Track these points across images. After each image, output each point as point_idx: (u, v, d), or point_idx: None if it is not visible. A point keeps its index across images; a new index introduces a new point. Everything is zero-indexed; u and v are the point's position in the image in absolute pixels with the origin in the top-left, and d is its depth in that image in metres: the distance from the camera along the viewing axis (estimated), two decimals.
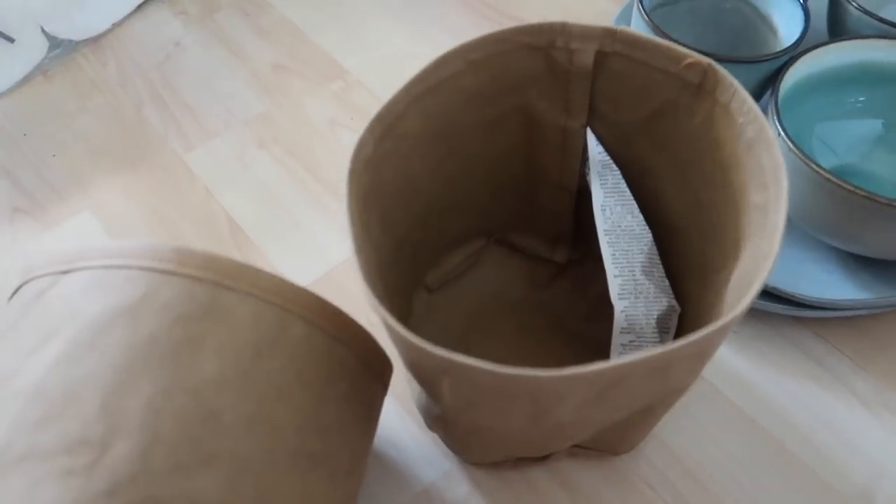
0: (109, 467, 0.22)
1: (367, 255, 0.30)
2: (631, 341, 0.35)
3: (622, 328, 0.34)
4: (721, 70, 0.30)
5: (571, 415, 0.28)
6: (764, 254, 0.26)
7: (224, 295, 0.27)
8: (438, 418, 0.34)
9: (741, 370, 0.43)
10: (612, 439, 0.36)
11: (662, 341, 0.35)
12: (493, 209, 0.45)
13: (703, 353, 0.26)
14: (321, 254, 0.50)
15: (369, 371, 0.32)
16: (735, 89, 0.30)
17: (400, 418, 0.42)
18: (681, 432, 0.41)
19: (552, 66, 0.36)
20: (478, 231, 0.47)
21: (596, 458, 0.40)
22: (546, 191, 0.44)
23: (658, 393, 0.28)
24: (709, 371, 0.43)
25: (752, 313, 0.45)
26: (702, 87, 0.32)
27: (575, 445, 0.38)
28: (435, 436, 0.41)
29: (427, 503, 0.38)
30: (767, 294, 0.44)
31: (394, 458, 0.40)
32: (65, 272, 0.27)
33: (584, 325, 0.45)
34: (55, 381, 0.24)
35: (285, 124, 0.58)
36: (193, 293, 0.26)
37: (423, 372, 0.28)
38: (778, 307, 0.43)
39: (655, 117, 0.35)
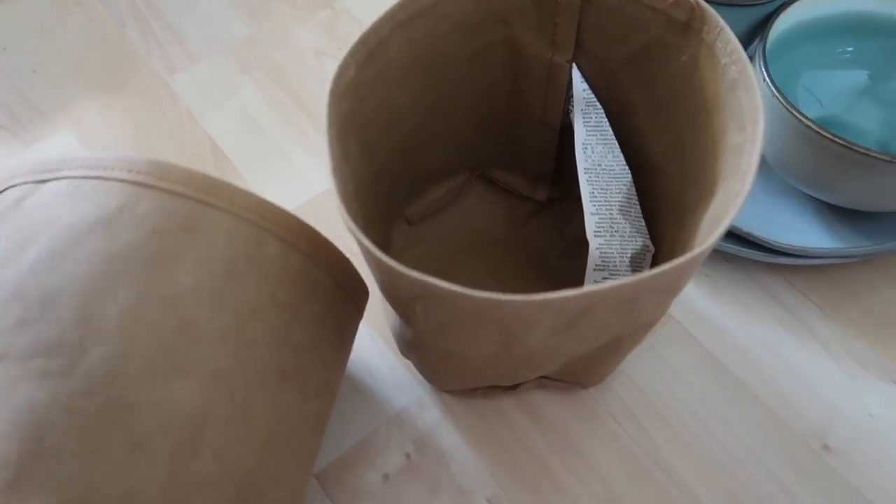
0: (85, 370, 0.23)
1: (345, 178, 0.30)
2: (604, 278, 0.35)
3: (596, 265, 0.35)
4: (708, 8, 0.30)
5: (540, 343, 0.28)
6: (735, 192, 0.26)
7: (201, 211, 0.27)
8: (412, 344, 0.35)
9: (711, 313, 0.44)
10: (580, 371, 0.37)
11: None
12: (475, 144, 0.45)
13: (671, 287, 0.26)
14: (303, 182, 0.50)
15: (344, 294, 0.32)
16: (720, 28, 0.30)
17: (375, 345, 0.43)
18: (648, 369, 0.42)
19: None
20: (459, 166, 0.47)
21: (564, 390, 0.41)
22: (529, 127, 0.44)
23: (626, 325, 0.29)
24: (679, 312, 0.44)
25: (726, 258, 0.46)
26: (688, 26, 0.32)
27: (543, 377, 0.39)
28: (409, 364, 0.42)
29: (399, 427, 0.40)
30: (741, 239, 0.44)
31: (368, 383, 0.41)
32: (43, 181, 0.27)
33: (560, 262, 0.45)
34: (32, 285, 0.24)
35: (271, 51, 0.57)
36: (171, 207, 0.26)
37: (397, 296, 0.28)
38: (751, 252, 0.44)
39: (641, 55, 0.35)
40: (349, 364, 0.42)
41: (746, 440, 0.40)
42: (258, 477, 0.26)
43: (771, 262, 0.46)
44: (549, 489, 0.38)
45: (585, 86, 0.38)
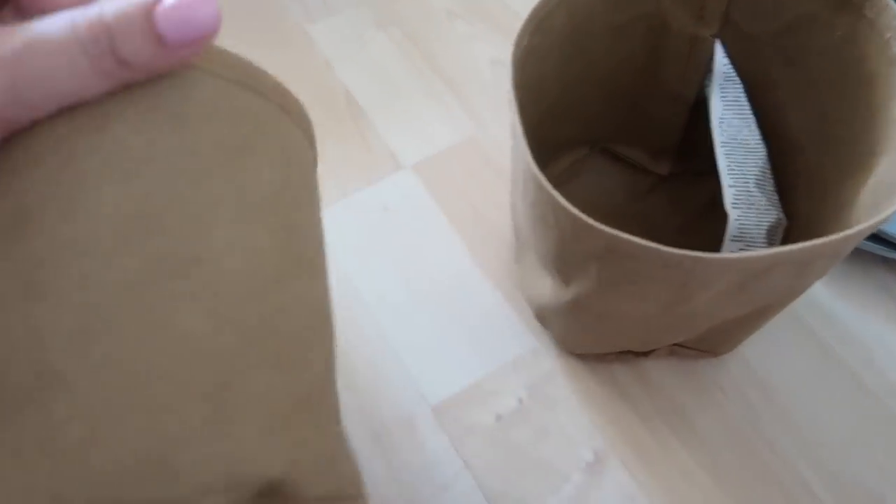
0: None
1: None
2: (740, 249, 0.36)
3: (733, 236, 0.36)
4: None
5: (704, 305, 0.29)
6: None
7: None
8: (563, 305, 0.36)
9: (826, 302, 0.44)
10: (717, 339, 0.37)
11: None
12: (602, 117, 0.46)
13: (839, 254, 0.27)
14: (429, 137, 0.52)
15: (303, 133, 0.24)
16: (885, 4, 0.30)
17: (495, 296, 0.44)
18: (761, 349, 0.42)
19: None
20: (583, 139, 0.48)
21: (693, 357, 0.41)
22: (660, 101, 0.44)
23: (786, 290, 0.30)
24: (797, 302, 0.44)
25: None
26: (848, 1, 0.32)
27: (677, 344, 0.39)
28: (525, 315, 0.43)
29: (514, 373, 0.41)
30: None
31: (486, 329, 0.43)
32: None
33: (678, 237, 0.46)
34: None
35: (405, 8, 0.59)
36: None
37: (575, 251, 0.29)
38: (870, 245, 0.43)
39: (790, 30, 0.35)
40: (469, 310, 0.44)
41: (853, 427, 0.40)
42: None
43: (888, 257, 0.45)
44: (655, 449, 0.39)
45: (726, 61, 0.39)
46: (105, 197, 0.16)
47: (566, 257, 0.30)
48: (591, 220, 0.25)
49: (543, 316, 0.41)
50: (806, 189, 0.36)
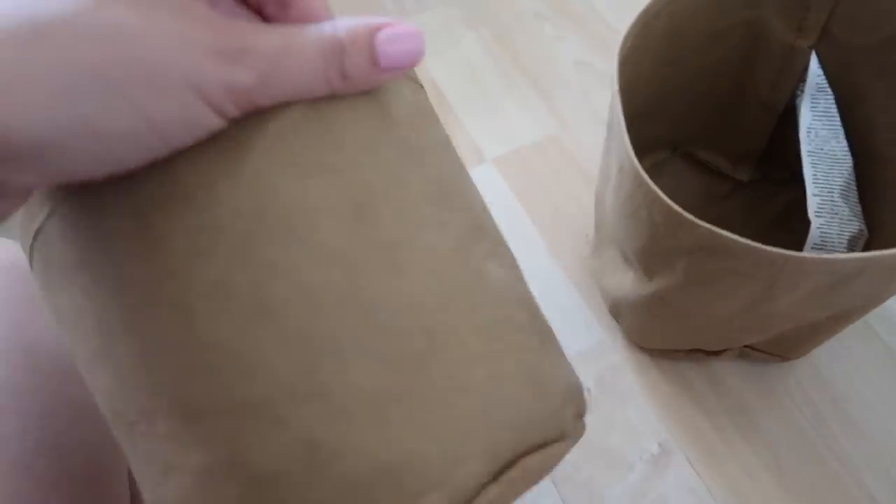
0: None
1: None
2: None
3: (814, 244, 0.36)
4: None
5: (788, 306, 0.30)
6: None
7: None
8: (642, 300, 0.37)
9: None
10: (791, 343, 0.38)
11: None
12: (688, 120, 0.46)
13: None
14: (513, 132, 0.53)
15: None
16: None
17: (566, 289, 0.46)
18: (830, 357, 0.43)
19: None
20: (667, 141, 0.49)
21: (763, 360, 0.42)
22: (747, 108, 0.45)
23: (869, 298, 0.30)
24: (869, 313, 0.45)
25: None
26: None
27: (748, 346, 0.40)
28: (595, 308, 0.45)
29: (582, 363, 0.43)
30: None
31: (557, 320, 0.45)
32: None
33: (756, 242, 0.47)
34: None
35: (494, 8, 0.60)
36: None
37: (668, 248, 0.30)
38: None
39: (888, 44, 0.36)
40: (542, 301, 0.45)
41: None
42: None
43: None
44: (720, 445, 0.40)
45: (820, 71, 0.39)
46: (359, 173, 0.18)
47: (655, 252, 0.31)
48: (688, 215, 0.27)
49: (618, 309, 0.42)
50: (890, 201, 0.37)
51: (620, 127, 0.30)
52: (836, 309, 0.32)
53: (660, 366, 0.43)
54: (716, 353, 0.41)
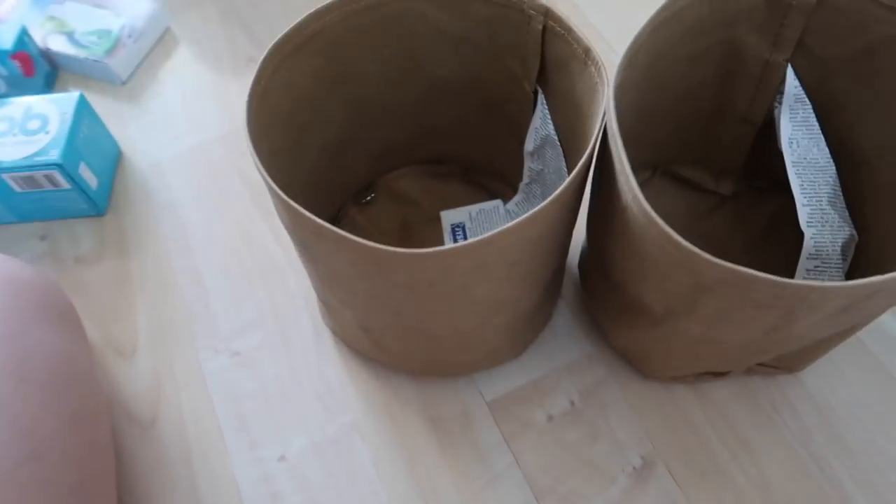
0: None
1: None
2: (816, 266, 0.37)
3: (809, 254, 0.36)
4: None
5: (806, 329, 0.30)
6: None
7: None
8: (631, 336, 0.37)
9: (888, 327, 0.44)
10: (797, 358, 0.38)
11: (843, 268, 0.37)
12: (669, 141, 0.47)
13: None
14: None
15: None
16: None
17: (559, 311, 0.46)
18: (818, 371, 0.43)
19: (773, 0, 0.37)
20: (649, 163, 0.49)
21: (769, 375, 0.42)
22: (728, 123, 0.45)
23: (877, 314, 0.30)
24: None
25: None
26: None
27: (758, 363, 0.40)
28: (582, 322, 0.45)
29: (568, 376, 0.43)
30: None
31: (546, 333, 0.45)
32: None
33: (743, 255, 0.47)
34: None
35: None
36: None
37: (681, 284, 0.30)
38: None
39: (866, 53, 0.36)
40: None
41: None
42: None
43: None
44: (704, 459, 0.40)
45: (797, 83, 0.40)
46: None
47: (675, 288, 0.31)
48: (706, 256, 0.26)
49: (623, 346, 0.41)
50: (877, 204, 0.37)
51: (624, 166, 0.30)
52: (847, 325, 0.32)
53: (645, 379, 0.43)
54: (723, 374, 0.41)
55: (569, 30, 0.34)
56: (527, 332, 0.41)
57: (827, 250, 0.36)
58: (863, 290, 0.26)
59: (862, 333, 0.44)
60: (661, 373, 0.41)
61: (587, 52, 0.33)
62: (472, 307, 0.33)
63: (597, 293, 0.41)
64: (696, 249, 0.27)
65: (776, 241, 0.46)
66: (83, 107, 0.50)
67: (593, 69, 0.33)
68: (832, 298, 0.26)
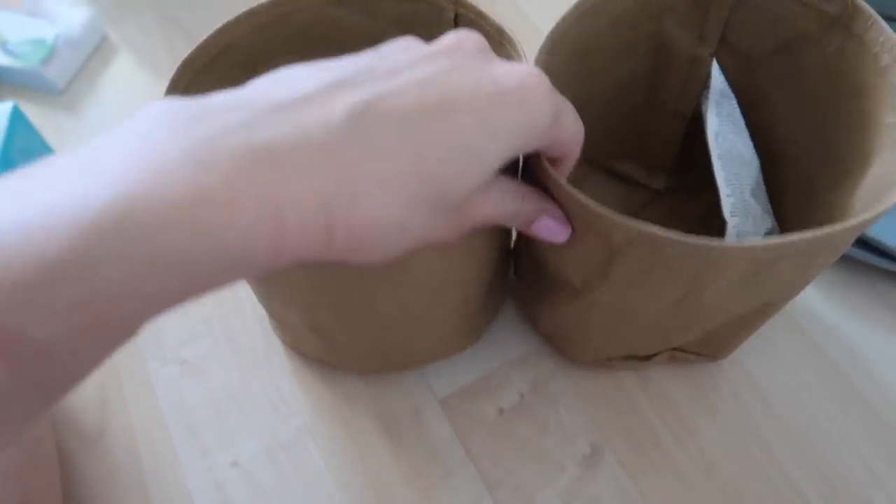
0: None
1: None
2: None
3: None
4: (860, 2, 0.33)
5: (715, 297, 0.31)
6: None
7: None
8: (572, 310, 0.38)
9: (824, 311, 0.46)
10: (718, 343, 0.39)
11: None
12: (602, 135, 0.48)
13: (841, 245, 0.29)
14: None
15: None
16: (872, 21, 0.32)
17: (508, 305, 0.47)
18: (758, 355, 0.44)
19: None
20: (582, 157, 0.50)
21: (691, 363, 0.44)
22: (658, 118, 0.46)
23: (789, 285, 0.32)
24: (794, 308, 0.46)
25: (846, 262, 0.48)
26: (838, 20, 0.34)
27: (677, 349, 0.41)
28: (531, 322, 0.46)
29: (518, 370, 0.44)
30: (864, 244, 0.46)
31: (495, 328, 0.45)
32: None
33: None
34: None
35: None
36: None
37: (593, 250, 0.31)
38: (872, 258, 0.45)
39: (784, 48, 0.38)
40: None
41: (844, 430, 0.41)
42: None
43: (888, 269, 0.47)
44: (650, 446, 0.41)
45: (722, 77, 0.41)
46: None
47: (586, 255, 0.32)
48: (614, 213, 0.27)
49: (549, 328, 0.42)
50: (793, 199, 0.39)
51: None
52: (760, 299, 0.33)
53: (592, 369, 0.44)
54: (648, 358, 0.42)
55: (479, 14, 0.35)
56: (478, 316, 0.42)
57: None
58: (763, 251, 0.27)
59: (799, 318, 0.46)
60: (584, 354, 0.42)
61: (500, 31, 0.34)
62: (418, 284, 0.34)
63: (525, 277, 0.42)
64: (606, 210, 0.27)
65: (711, 236, 0.48)
66: (17, 118, 0.49)
67: (509, 47, 0.34)
68: (733, 258, 0.27)
